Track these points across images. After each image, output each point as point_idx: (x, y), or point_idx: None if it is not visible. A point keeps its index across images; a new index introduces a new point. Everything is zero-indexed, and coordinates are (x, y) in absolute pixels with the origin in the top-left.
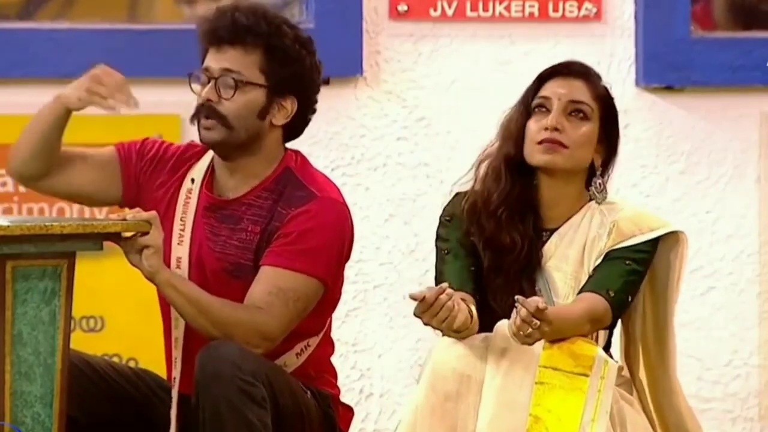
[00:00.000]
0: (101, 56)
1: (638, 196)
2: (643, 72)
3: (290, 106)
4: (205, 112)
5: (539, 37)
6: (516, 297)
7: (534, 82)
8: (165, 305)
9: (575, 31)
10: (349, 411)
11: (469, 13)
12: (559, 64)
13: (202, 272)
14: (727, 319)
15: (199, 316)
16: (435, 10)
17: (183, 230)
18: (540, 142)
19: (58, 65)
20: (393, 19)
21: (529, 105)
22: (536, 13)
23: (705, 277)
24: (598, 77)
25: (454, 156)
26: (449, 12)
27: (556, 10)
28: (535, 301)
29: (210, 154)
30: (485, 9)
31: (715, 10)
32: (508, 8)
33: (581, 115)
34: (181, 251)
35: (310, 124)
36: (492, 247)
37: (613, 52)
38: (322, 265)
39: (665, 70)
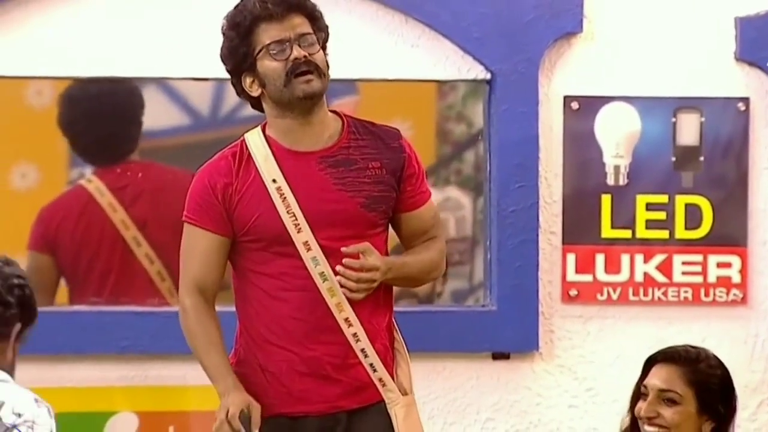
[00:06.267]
0: None
1: None
2: None
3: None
4: (304, 66)
5: (692, 319)
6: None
7: (642, 368)
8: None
9: (724, 314)
10: None
11: (631, 297)
12: (659, 351)
13: (329, 219)
14: None
15: (418, 280)
16: (602, 295)
17: (283, 195)
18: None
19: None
20: (565, 303)
21: (638, 389)
22: (690, 298)
23: None
24: (697, 354)
25: (619, 422)
26: (614, 297)
27: (707, 295)
28: None
29: (254, 137)
30: (645, 294)
31: None
32: (665, 294)
33: (671, 402)
34: (293, 208)
35: (494, 394)
36: None
37: (757, 333)
38: None
39: None
